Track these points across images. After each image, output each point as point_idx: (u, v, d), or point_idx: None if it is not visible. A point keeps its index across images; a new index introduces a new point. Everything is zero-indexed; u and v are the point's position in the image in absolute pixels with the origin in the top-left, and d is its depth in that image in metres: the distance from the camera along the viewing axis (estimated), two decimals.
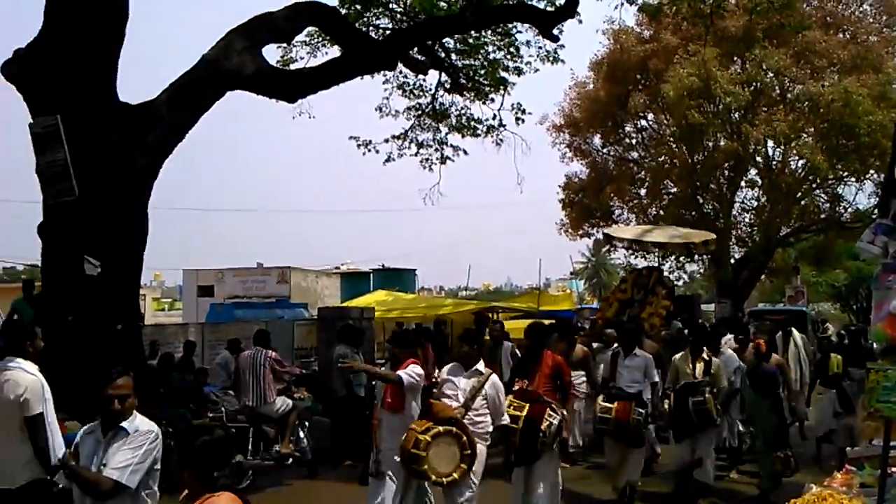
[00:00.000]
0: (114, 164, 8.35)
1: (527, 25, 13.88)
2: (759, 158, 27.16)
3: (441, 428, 6.05)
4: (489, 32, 14.22)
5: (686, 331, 12.76)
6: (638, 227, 16.11)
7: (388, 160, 16.22)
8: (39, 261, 8.73)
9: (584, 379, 10.64)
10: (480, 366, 6.60)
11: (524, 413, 6.68)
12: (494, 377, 6.62)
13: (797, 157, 25.83)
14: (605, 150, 29.56)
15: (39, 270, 8.89)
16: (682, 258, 29.28)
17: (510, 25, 14.15)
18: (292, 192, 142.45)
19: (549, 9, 12.85)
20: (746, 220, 28.93)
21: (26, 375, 5.21)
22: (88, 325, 7.84)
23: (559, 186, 29.53)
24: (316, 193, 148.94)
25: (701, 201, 27.80)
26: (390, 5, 13.65)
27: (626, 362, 8.64)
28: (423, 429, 6.06)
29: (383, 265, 33.96)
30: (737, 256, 28.92)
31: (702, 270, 34.74)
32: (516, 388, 7.07)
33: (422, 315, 16.91)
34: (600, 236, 32.35)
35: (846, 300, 39.65)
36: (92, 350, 7.62)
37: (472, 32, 13.68)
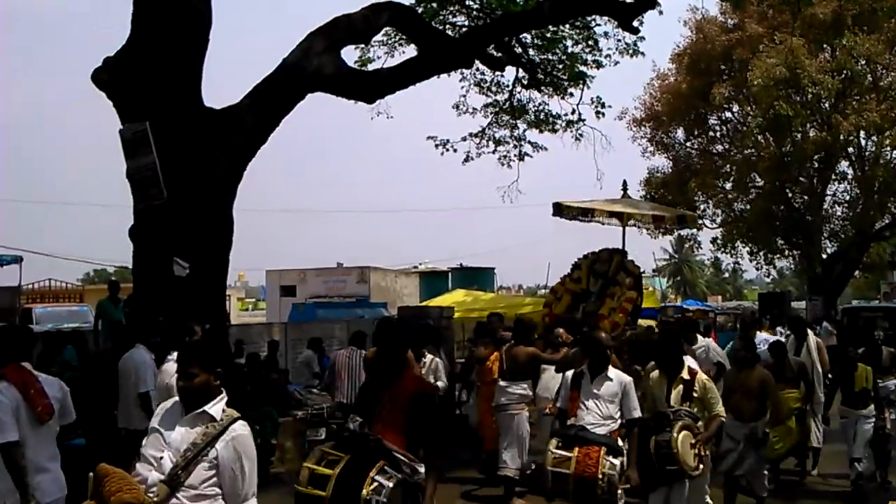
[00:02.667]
0: (200, 167, 8.52)
1: (606, 18, 13.63)
2: (850, 150, 26.21)
3: None
4: (567, 26, 14.01)
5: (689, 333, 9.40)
6: (600, 199, 13.71)
7: (466, 159, 16.19)
8: (128, 263, 8.99)
9: (525, 389, 8.60)
10: (214, 407, 3.66)
11: (337, 470, 4.41)
12: (239, 428, 3.66)
13: (891, 148, 24.81)
14: (688, 144, 28.99)
15: (129, 272, 9.17)
16: (769, 253, 28.50)
17: (589, 18, 13.92)
18: (372, 192, 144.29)
19: (628, 0, 12.59)
20: (839, 213, 27.98)
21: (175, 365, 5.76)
22: (178, 325, 8.00)
23: (640, 182, 29.08)
24: (394, 193, 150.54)
25: (790, 195, 26.99)
26: (466, 2, 13.59)
27: (593, 388, 6.06)
28: None
29: (461, 264, 33.99)
30: (829, 251, 27.96)
31: (792, 266, 33.68)
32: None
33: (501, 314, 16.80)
34: (684, 232, 31.88)
35: None
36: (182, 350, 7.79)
37: (550, 27, 13.51)
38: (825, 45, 24.59)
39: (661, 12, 12.54)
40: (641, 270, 12.17)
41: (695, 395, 6.25)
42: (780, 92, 22.63)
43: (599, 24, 14.33)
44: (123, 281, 13.87)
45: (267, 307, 38.67)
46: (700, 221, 29.06)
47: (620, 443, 5.98)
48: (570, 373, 6.36)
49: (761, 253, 28.80)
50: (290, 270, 35.86)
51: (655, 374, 6.56)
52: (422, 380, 5.36)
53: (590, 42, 14.55)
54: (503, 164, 16.31)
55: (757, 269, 31.36)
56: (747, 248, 29.03)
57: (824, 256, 27.68)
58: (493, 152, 16.22)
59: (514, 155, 16.23)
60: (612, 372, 6.15)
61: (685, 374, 6.32)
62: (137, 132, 8.31)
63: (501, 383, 8.55)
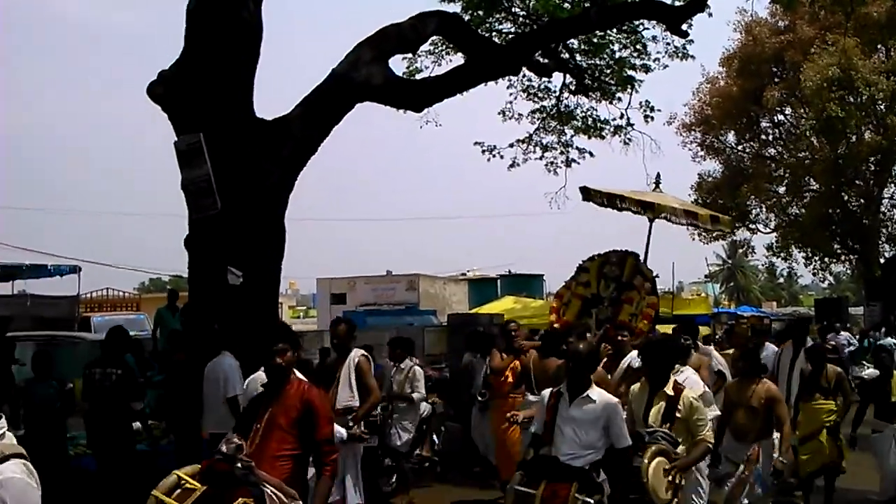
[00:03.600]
0: (252, 178, 8.68)
1: (654, 21, 13.53)
2: None
3: None
4: (614, 31, 13.94)
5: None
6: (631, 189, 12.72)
7: (512, 165, 16.15)
8: (183, 272, 9.19)
9: None
10: None
11: None
12: (10, 469, 2.63)
13: None
14: (739, 148, 28.63)
15: (183, 281, 9.36)
16: (826, 258, 27.92)
17: (636, 22, 13.84)
18: (419, 200, 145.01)
19: (677, 4, 12.48)
20: None
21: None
22: (232, 332, 8.15)
23: (690, 187, 28.76)
24: (442, 200, 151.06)
25: (846, 198, 26.43)
26: (513, 9, 13.61)
27: (571, 411, 5.10)
28: None
29: (510, 271, 33.88)
30: (887, 255, 27.30)
31: (849, 271, 32.95)
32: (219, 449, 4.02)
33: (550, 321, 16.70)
34: (737, 237, 31.36)
35: None
36: (236, 357, 7.93)
37: (597, 32, 13.45)
38: (879, 46, 24.06)
39: (710, 15, 12.41)
40: (656, 275, 11.29)
41: (678, 415, 5.28)
42: (834, 94, 22.18)
43: (647, 28, 14.24)
44: (178, 289, 14.14)
45: (317, 315, 39.03)
46: (753, 226, 28.66)
47: (602, 476, 5.06)
48: (546, 392, 5.38)
49: (817, 258, 28.23)
50: (340, 278, 36.16)
51: (637, 386, 5.67)
52: (310, 388, 4.39)
53: (638, 46, 14.45)
54: (550, 171, 16.23)
55: (813, 275, 30.76)
56: (803, 253, 28.50)
57: (882, 261, 27.03)
58: (541, 158, 16.17)
59: (562, 161, 16.15)
60: (595, 392, 5.12)
61: (669, 390, 5.37)
62: (191, 144, 8.49)
63: (531, 397, 7.82)
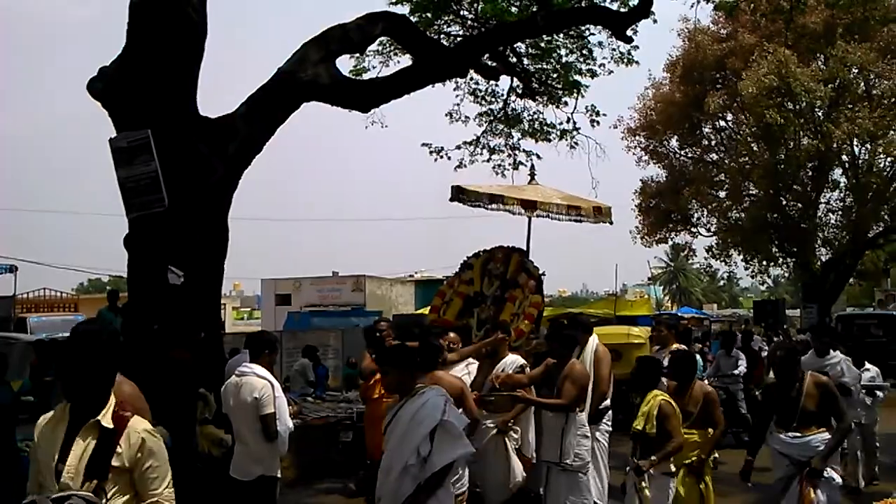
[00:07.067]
0: (195, 176, 8.53)
1: (599, 27, 13.71)
2: (844, 157, 26.38)
3: None
4: (561, 35, 14.09)
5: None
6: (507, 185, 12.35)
7: (459, 166, 16.18)
8: (123, 272, 8.99)
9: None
10: None
11: None
12: None
13: (884, 156, 25.03)
14: (682, 153, 29.15)
15: (124, 281, 9.17)
16: (764, 261, 28.59)
17: (582, 28, 14.00)
18: (366, 200, 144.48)
19: (621, 10, 12.67)
20: (833, 221, 28.13)
21: (258, 380, 6.03)
22: (173, 333, 8.01)
23: (634, 192, 29.21)
24: (389, 201, 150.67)
25: (784, 203, 27.12)
26: (461, 12, 13.66)
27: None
28: None
29: None
30: (823, 259, 28.09)
31: (787, 274, 33.80)
32: None
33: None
34: (679, 241, 31.93)
35: None
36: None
37: (544, 36, 13.58)
38: (818, 54, 24.78)
39: (654, 21, 12.63)
40: (542, 273, 10.65)
41: (115, 462, 2.97)
42: (773, 101, 22.75)
43: (594, 34, 14.42)
44: (119, 290, 13.88)
45: (262, 316, 38.64)
46: (694, 230, 29.23)
47: None
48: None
49: (756, 261, 28.92)
50: (286, 279, 35.86)
51: (50, 414, 3.18)
52: None
53: (584, 51, 14.62)
54: (497, 174, 16.30)
55: (752, 278, 31.50)
56: (742, 257, 29.17)
57: (819, 264, 27.80)
58: (488, 161, 16.23)
59: (509, 164, 16.24)
60: None
61: (106, 420, 3.01)
62: (136, 140, 8.32)
63: None
